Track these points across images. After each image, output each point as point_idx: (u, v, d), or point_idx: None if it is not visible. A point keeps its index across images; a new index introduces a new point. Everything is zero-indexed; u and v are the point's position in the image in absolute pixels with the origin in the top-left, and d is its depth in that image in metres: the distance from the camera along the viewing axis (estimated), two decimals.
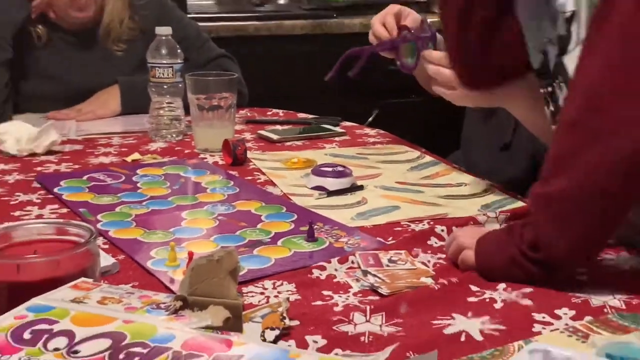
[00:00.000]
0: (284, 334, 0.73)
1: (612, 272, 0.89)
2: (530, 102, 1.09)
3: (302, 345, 0.71)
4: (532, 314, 0.78)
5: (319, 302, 0.81)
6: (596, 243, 0.84)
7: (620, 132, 0.78)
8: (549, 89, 0.99)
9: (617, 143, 0.78)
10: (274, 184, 1.26)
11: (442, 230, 1.00)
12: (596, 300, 0.81)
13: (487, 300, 0.82)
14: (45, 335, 0.54)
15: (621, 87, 0.80)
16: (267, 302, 0.80)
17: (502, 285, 0.84)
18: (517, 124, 1.35)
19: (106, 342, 0.53)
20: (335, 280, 0.87)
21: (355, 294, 0.83)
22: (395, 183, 1.27)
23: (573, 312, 0.78)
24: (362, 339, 0.73)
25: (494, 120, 1.41)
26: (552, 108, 1.00)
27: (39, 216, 1.09)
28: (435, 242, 0.98)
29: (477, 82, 1.17)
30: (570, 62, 0.92)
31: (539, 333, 0.74)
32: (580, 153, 0.81)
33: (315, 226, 1.02)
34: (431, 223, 1.05)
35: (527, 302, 0.81)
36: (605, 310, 0.79)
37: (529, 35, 1.02)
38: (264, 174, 1.32)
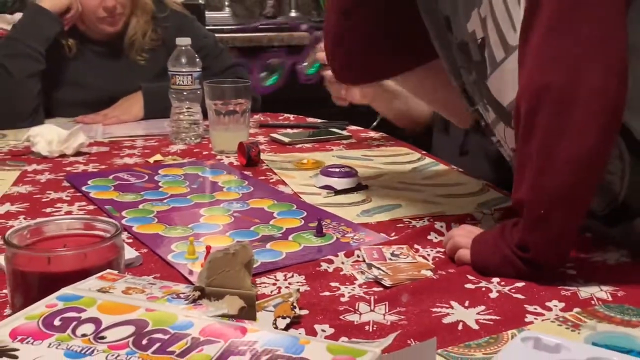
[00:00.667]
0: (295, 322, 0.73)
1: (600, 267, 0.89)
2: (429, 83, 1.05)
3: (311, 332, 0.71)
4: (525, 305, 0.78)
5: (326, 293, 0.81)
6: (571, 237, 0.82)
7: (567, 134, 0.75)
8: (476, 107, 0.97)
9: (568, 145, 0.75)
10: (285, 184, 1.26)
11: (441, 226, 1.00)
12: (584, 292, 0.81)
13: (483, 289, 0.82)
14: (74, 322, 0.54)
15: (549, 92, 0.76)
16: (279, 292, 0.80)
17: (496, 279, 0.84)
18: (467, 130, 1.33)
19: (130, 329, 0.53)
20: (342, 272, 0.87)
21: (360, 286, 0.83)
22: (398, 183, 1.26)
23: (563, 304, 0.78)
24: (366, 327, 0.73)
25: (452, 127, 1.39)
26: (483, 123, 0.98)
27: (69, 212, 1.09)
28: (435, 237, 0.98)
29: (359, 76, 1.15)
30: (492, 84, 0.90)
31: (531, 322, 0.74)
32: (535, 157, 0.78)
33: (324, 222, 1.02)
34: (431, 220, 1.05)
35: (519, 295, 0.80)
36: (592, 302, 0.79)
37: (443, 59, 1.00)
38: (275, 174, 1.32)
